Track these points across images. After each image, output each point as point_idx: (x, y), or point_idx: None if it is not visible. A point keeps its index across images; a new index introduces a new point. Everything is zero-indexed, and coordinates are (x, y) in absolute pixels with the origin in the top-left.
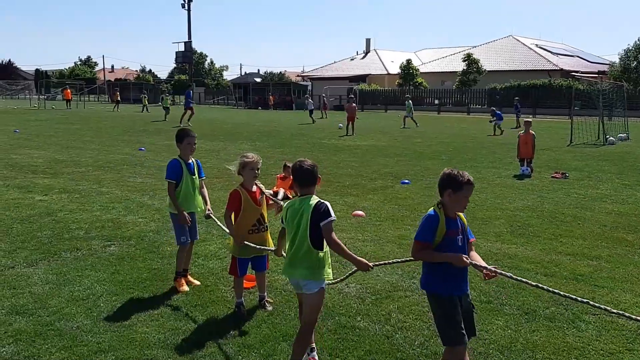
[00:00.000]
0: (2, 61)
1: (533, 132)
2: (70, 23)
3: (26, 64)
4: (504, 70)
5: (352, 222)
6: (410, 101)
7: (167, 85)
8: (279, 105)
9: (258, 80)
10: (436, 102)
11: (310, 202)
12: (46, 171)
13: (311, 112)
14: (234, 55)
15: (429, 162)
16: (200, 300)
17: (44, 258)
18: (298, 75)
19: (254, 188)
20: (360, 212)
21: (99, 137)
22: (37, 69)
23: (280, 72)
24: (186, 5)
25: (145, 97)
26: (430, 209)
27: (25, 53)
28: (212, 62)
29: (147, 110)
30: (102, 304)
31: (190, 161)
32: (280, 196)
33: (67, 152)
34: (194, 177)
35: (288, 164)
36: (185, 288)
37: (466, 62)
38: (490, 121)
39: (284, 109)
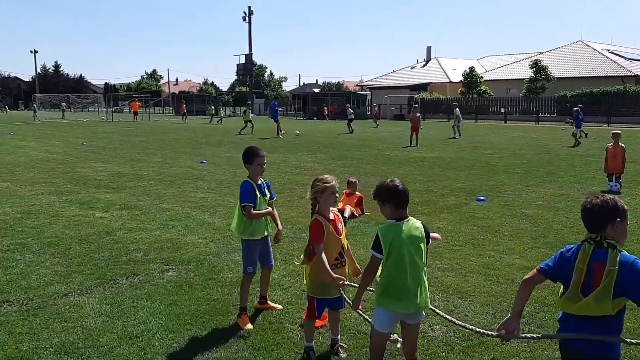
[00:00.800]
0: (75, 76)
1: (622, 145)
2: (137, 38)
3: (96, 79)
4: (574, 77)
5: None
6: (457, 109)
7: (228, 97)
8: (338, 115)
9: (317, 90)
10: (502, 110)
11: (418, 225)
12: (109, 185)
13: (350, 121)
14: (293, 67)
15: (504, 177)
16: (264, 342)
17: (99, 284)
18: (357, 85)
19: (332, 215)
20: (435, 235)
21: (162, 150)
22: (106, 82)
23: (339, 82)
24: (247, 18)
25: (219, 109)
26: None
27: (95, 68)
28: (271, 73)
29: (220, 122)
30: (156, 343)
31: (259, 182)
32: (346, 214)
33: (130, 165)
34: (265, 198)
35: (352, 180)
36: (249, 326)
37: (534, 69)
38: (567, 121)
39: (343, 119)
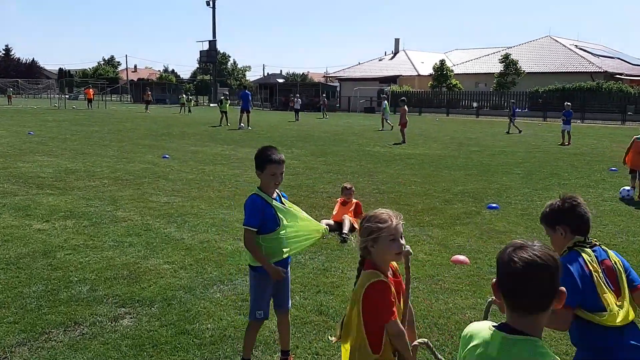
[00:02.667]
0: (26, 61)
1: None
2: (94, 22)
3: (50, 64)
4: (543, 72)
5: (456, 272)
6: (386, 102)
7: (190, 85)
8: (307, 107)
9: (281, 81)
10: (474, 104)
11: None
12: (54, 185)
13: (297, 111)
14: (257, 56)
15: (505, 179)
16: None
17: (24, 342)
18: (324, 76)
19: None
20: (462, 258)
21: (119, 142)
22: (60, 68)
23: (303, 74)
24: (211, 2)
25: (184, 98)
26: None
27: (49, 53)
28: (234, 62)
29: (189, 111)
30: None
31: (275, 196)
32: (346, 228)
33: (81, 160)
34: (284, 223)
35: (347, 186)
36: None
37: (504, 63)
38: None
39: (312, 111)
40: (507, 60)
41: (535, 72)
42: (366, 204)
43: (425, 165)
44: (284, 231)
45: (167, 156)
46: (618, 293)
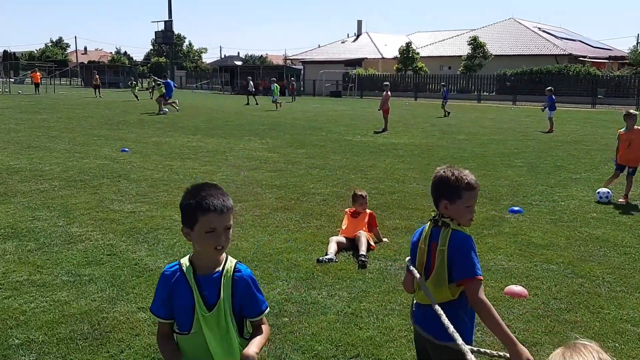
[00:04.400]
0: None
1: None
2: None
3: None
4: (508, 55)
5: (518, 310)
6: (276, 84)
7: (144, 67)
8: (266, 91)
9: (239, 63)
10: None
11: None
12: None
13: (251, 93)
14: (213, 38)
15: (510, 172)
16: None
17: None
18: (285, 59)
19: None
20: (518, 289)
21: (70, 132)
22: (5, 50)
23: (262, 56)
24: None
25: (134, 83)
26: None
27: None
28: (190, 44)
29: (137, 98)
30: None
31: (216, 270)
32: (363, 249)
33: (27, 155)
34: (208, 314)
35: (360, 193)
36: None
37: (472, 45)
38: (543, 109)
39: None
40: (475, 43)
41: (500, 55)
42: (380, 212)
43: (417, 157)
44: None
45: (126, 149)
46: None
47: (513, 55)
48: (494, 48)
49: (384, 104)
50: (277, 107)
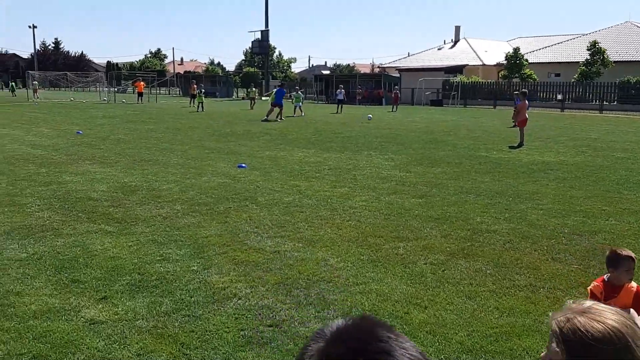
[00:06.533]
0: (75, 54)
1: None
2: (140, 15)
3: (98, 57)
4: (628, 61)
5: None
6: (300, 92)
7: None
8: (366, 101)
9: (326, 72)
10: (559, 97)
11: None
12: (109, 214)
13: (340, 101)
14: (300, 47)
15: None
16: None
17: None
18: (378, 67)
19: None
20: None
21: (180, 144)
22: (108, 61)
23: (349, 65)
24: None
25: (254, 91)
26: None
27: (97, 46)
28: (280, 54)
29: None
30: None
31: None
32: None
33: (140, 171)
34: None
35: (624, 253)
36: None
37: (591, 51)
38: None
39: (372, 104)
40: (594, 49)
41: (618, 61)
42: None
43: (583, 181)
44: None
45: (243, 165)
46: None
47: (634, 61)
48: (611, 54)
49: (522, 114)
50: (297, 114)
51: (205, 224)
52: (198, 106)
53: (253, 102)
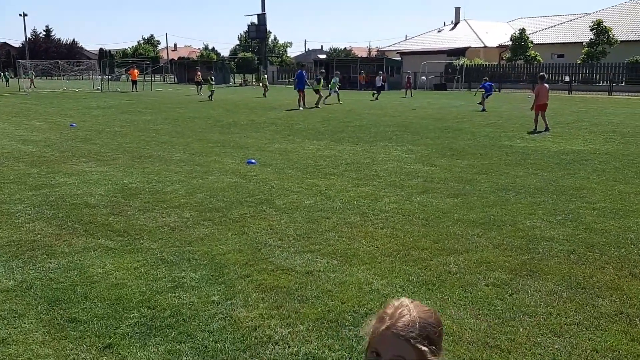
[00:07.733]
0: (67, 41)
1: None
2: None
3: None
4: (635, 41)
5: None
6: (337, 78)
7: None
8: (367, 86)
9: (322, 56)
10: (566, 79)
11: None
12: (109, 224)
13: (379, 89)
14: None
15: None
16: None
17: None
18: (377, 50)
19: None
20: None
21: (182, 136)
22: (100, 48)
23: (345, 48)
24: None
25: (264, 78)
26: None
27: (89, 33)
28: (275, 38)
29: (264, 95)
30: None
31: None
32: None
33: (140, 169)
34: None
35: None
36: None
37: (594, 30)
38: None
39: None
40: (598, 28)
41: (625, 41)
42: None
43: (626, 172)
44: None
45: (253, 161)
46: None
47: (637, 40)
48: (616, 33)
49: (543, 98)
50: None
51: (220, 235)
52: (210, 95)
53: (266, 89)
